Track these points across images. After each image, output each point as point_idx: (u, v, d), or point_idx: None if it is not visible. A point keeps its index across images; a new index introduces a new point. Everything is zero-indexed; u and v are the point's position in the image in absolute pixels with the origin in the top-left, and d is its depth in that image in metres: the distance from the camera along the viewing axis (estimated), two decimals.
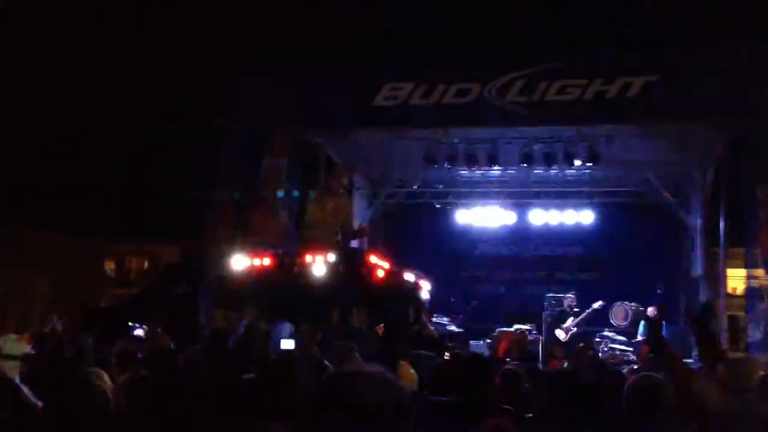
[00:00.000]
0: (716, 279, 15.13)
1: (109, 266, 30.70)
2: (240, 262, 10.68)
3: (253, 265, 10.57)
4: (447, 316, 16.25)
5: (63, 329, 10.02)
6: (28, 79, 14.23)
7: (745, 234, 13.90)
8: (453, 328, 16.13)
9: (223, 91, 13.84)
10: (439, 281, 17.32)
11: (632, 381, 4.14)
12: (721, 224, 14.62)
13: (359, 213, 17.40)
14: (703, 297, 15.50)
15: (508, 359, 10.91)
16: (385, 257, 11.58)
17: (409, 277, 11.47)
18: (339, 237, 11.78)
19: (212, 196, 13.90)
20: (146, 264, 30.08)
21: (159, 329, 6.74)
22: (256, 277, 10.40)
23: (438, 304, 15.96)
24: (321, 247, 10.79)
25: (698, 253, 16.03)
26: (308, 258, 10.26)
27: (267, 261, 10.53)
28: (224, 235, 13.36)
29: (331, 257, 10.30)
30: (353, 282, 10.37)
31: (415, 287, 11.58)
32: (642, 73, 13.22)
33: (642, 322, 14.98)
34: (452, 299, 16.69)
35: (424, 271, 15.57)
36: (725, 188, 14.56)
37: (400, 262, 13.75)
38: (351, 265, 10.55)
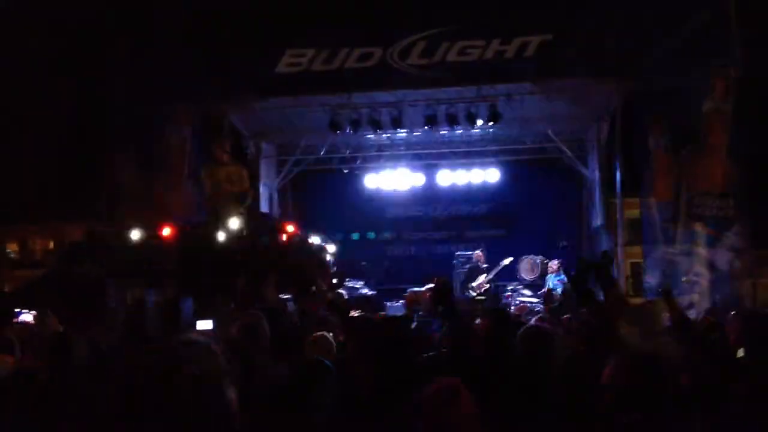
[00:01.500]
0: (615, 228, 15.78)
1: (12, 248, 29.57)
2: (139, 234, 10.34)
3: (152, 237, 10.25)
4: (360, 280, 16.44)
5: None
6: None
7: (639, 184, 14.55)
8: (366, 291, 16.35)
9: (122, 66, 13.43)
10: (351, 246, 17.56)
11: (522, 331, 4.34)
12: (617, 175, 15.22)
13: (268, 181, 17.32)
14: (604, 247, 16.14)
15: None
16: (292, 223, 11.53)
17: (314, 239, 11.43)
18: (242, 205, 11.53)
19: (116, 173, 13.55)
20: (51, 244, 29.11)
21: (48, 313, 6.34)
22: (157, 249, 10.09)
23: (350, 268, 16.13)
24: (223, 214, 10.53)
25: (597, 205, 16.65)
26: (210, 227, 10.02)
27: (167, 231, 10.21)
28: (130, 211, 13.06)
29: (234, 223, 10.10)
30: (258, 247, 10.23)
31: (321, 249, 11.56)
32: (538, 32, 13.53)
33: (548, 276, 15.55)
34: (363, 263, 16.90)
35: (334, 235, 15.72)
36: (620, 141, 15.13)
37: (310, 228, 13.79)
38: (255, 231, 10.38)
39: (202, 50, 13.54)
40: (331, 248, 11.94)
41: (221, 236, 9.85)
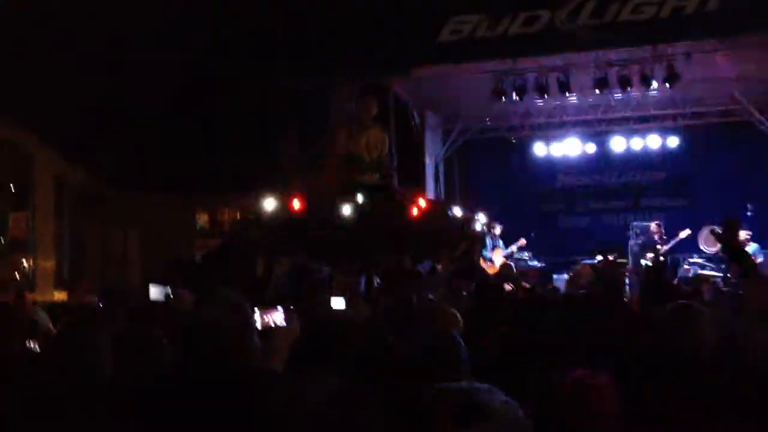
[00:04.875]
0: None
1: (202, 218, 31.65)
2: (270, 204, 10.36)
3: (283, 208, 10.26)
4: (529, 251, 16.07)
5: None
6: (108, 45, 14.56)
7: None
8: (536, 263, 15.98)
9: (284, 44, 13.81)
10: (519, 216, 17.13)
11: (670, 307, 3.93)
12: None
13: (434, 151, 17.24)
14: None
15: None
16: (422, 196, 11.07)
17: (456, 211, 10.93)
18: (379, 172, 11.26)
19: (283, 151, 13.98)
20: (238, 215, 30.82)
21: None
22: (287, 221, 10.09)
23: (518, 239, 15.78)
24: (358, 184, 10.32)
25: None
26: (338, 198, 9.83)
27: (297, 204, 10.16)
28: (296, 184, 13.45)
29: (359, 197, 9.86)
30: (382, 224, 9.93)
31: (466, 221, 11.04)
32: None
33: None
34: (532, 234, 16.46)
35: (502, 207, 15.40)
36: None
37: (476, 198, 13.58)
38: (384, 205, 10.08)
39: (362, 22, 13.62)
40: (481, 218, 11.47)
41: (348, 210, 9.65)
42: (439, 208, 10.74)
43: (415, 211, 9.84)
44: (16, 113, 14.72)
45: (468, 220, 11.01)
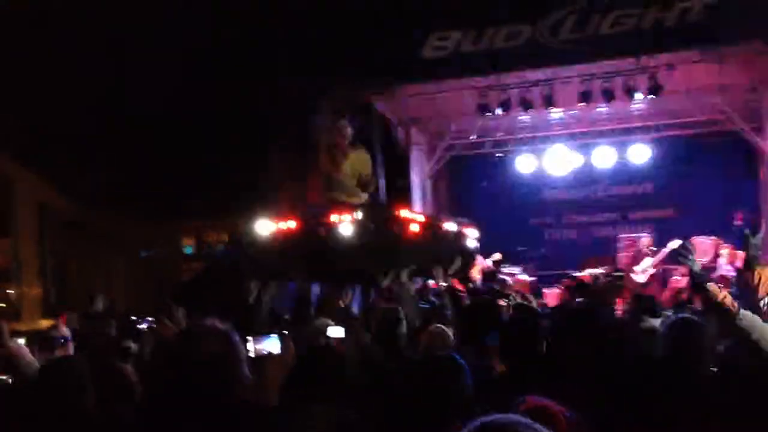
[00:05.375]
0: None
1: (188, 242, 31.39)
2: (265, 226, 10.17)
3: (278, 229, 10.06)
4: (517, 266, 15.99)
5: (106, 309, 10.07)
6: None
7: None
8: (525, 277, 15.88)
9: (272, 50, 13.76)
10: (507, 231, 17.06)
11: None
12: None
13: (420, 168, 17.18)
14: None
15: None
16: (421, 212, 11.03)
17: (450, 226, 10.83)
18: (366, 192, 11.14)
19: (272, 168, 13.87)
20: (226, 237, 30.61)
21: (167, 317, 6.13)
22: (282, 242, 9.88)
23: (507, 254, 15.71)
24: (348, 205, 10.18)
25: None
26: (333, 217, 9.65)
27: (292, 224, 9.97)
28: (284, 203, 13.34)
29: (358, 214, 9.70)
30: (384, 241, 9.77)
31: (459, 237, 10.94)
32: None
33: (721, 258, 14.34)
34: (520, 248, 16.39)
35: (489, 221, 15.32)
36: None
37: (464, 214, 13.45)
38: (380, 222, 9.93)
39: (342, 37, 13.58)
40: (473, 233, 11.37)
41: (345, 229, 9.50)
42: (433, 223, 10.60)
43: (413, 228, 9.71)
44: None
45: (461, 235, 10.89)
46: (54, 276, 18.59)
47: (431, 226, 10.15)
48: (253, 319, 8.76)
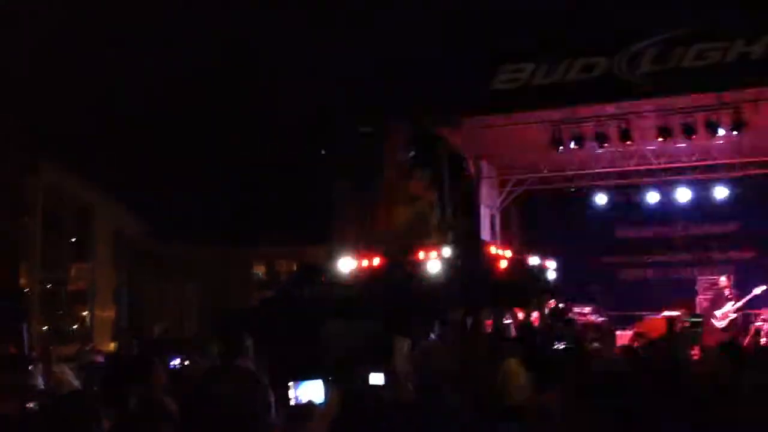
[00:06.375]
0: None
1: (259, 269, 31.69)
2: (347, 264, 10.04)
3: (361, 267, 9.93)
4: (588, 306, 15.42)
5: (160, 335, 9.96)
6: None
7: None
8: (596, 317, 15.31)
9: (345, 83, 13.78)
10: (578, 269, 16.50)
11: None
12: None
13: (490, 201, 16.84)
14: None
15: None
16: (509, 247, 10.84)
17: (533, 260, 10.55)
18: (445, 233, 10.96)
19: (337, 197, 13.85)
20: (295, 266, 30.80)
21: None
22: (366, 280, 9.72)
23: (578, 293, 15.20)
24: (431, 242, 10.03)
25: None
26: (421, 254, 9.52)
27: (376, 261, 9.84)
28: (350, 233, 13.25)
29: (447, 251, 9.55)
30: (475, 277, 9.55)
31: (541, 270, 10.65)
32: None
33: None
34: (593, 286, 15.81)
35: (561, 259, 14.87)
36: None
37: (535, 250, 13.09)
38: (470, 259, 9.75)
39: (415, 67, 13.46)
40: (552, 265, 11.02)
41: (434, 266, 9.34)
42: (519, 258, 10.39)
43: (503, 264, 9.51)
44: (76, 164, 14.98)
45: (542, 269, 10.66)
46: (127, 300, 18.95)
47: (518, 262, 9.91)
48: (318, 355, 8.58)
